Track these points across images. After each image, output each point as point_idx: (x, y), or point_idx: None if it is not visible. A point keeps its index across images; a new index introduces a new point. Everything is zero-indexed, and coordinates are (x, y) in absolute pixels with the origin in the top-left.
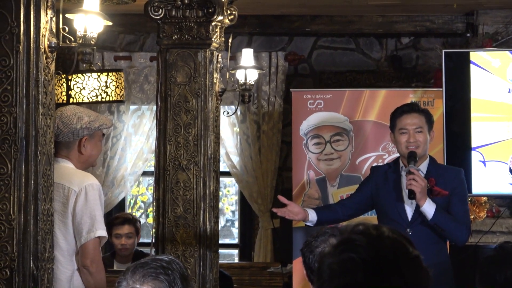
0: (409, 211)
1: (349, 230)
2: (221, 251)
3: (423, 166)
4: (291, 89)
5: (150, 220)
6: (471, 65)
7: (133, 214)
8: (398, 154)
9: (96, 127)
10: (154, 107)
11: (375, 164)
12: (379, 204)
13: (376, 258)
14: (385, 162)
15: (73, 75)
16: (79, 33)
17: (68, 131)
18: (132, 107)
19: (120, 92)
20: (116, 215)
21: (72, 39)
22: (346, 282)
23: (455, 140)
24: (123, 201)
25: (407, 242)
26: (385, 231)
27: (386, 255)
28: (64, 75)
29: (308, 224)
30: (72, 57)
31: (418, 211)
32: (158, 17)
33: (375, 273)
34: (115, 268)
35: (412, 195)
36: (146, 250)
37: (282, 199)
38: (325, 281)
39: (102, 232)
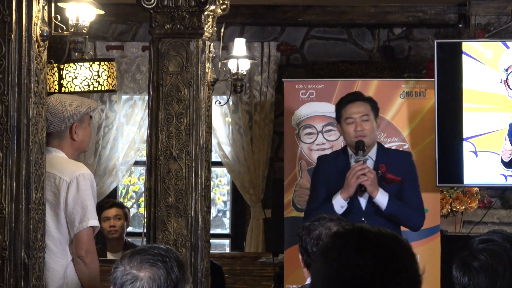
0: (363, 201)
1: None
2: (212, 241)
3: (372, 153)
4: (283, 79)
5: (142, 209)
6: (463, 56)
7: (124, 203)
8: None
9: (83, 111)
10: (146, 97)
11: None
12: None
13: (368, 231)
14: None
15: (65, 64)
16: (71, 22)
17: (58, 120)
18: (124, 97)
19: (112, 81)
20: (104, 200)
21: (64, 28)
22: (330, 246)
23: (447, 131)
24: (114, 190)
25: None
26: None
27: (381, 232)
28: (56, 64)
29: None
30: (64, 46)
31: (371, 201)
32: (150, 7)
33: (364, 243)
34: (108, 257)
35: (362, 188)
36: (137, 239)
37: None
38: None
39: (94, 221)
